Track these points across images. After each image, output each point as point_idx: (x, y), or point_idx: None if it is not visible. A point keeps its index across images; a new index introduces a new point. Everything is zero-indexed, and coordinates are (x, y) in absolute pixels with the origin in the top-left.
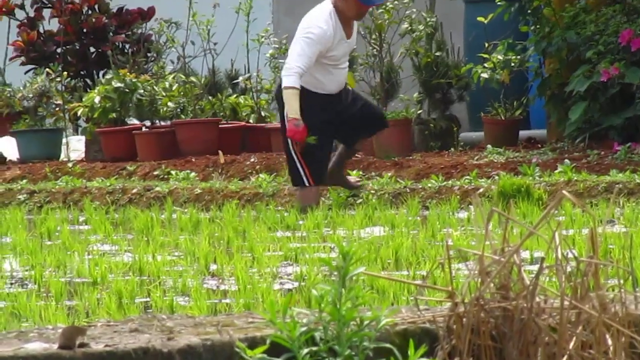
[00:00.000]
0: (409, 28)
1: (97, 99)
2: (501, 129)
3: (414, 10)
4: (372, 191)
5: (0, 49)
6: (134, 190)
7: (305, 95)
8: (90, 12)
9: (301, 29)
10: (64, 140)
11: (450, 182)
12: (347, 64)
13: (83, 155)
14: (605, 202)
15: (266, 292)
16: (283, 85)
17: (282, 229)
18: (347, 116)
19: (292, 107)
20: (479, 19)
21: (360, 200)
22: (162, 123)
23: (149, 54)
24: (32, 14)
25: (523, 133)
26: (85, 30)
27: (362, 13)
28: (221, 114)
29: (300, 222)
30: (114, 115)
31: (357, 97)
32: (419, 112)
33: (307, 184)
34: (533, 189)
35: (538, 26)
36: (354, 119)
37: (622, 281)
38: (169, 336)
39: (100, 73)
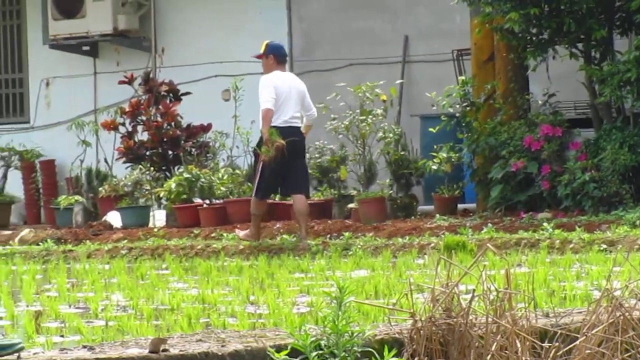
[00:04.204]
0: (383, 135)
1: (173, 185)
2: (446, 203)
3: (386, 123)
4: (359, 246)
5: (109, 152)
6: (199, 247)
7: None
8: (168, 127)
9: None
10: (151, 213)
11: (411, 239)
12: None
13: (164, 223)
14: (515, 252)
15: (288, 315)
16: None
17: (298, 271)
18: None
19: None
20: (430, 129)
21: (351, 252)
22: (217, 201)
23: (207, 155)
24: (130, 129)
25: (460, 206)
26: (165, 139)
27: None
28: None
29: (311, 267)
30: (184, 196)
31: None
32: (390, 192)
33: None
34: (467, 243)
35: (469, 134)
36: None
37: (526, 304)
38: (222, 344)
39: (175, 168)
